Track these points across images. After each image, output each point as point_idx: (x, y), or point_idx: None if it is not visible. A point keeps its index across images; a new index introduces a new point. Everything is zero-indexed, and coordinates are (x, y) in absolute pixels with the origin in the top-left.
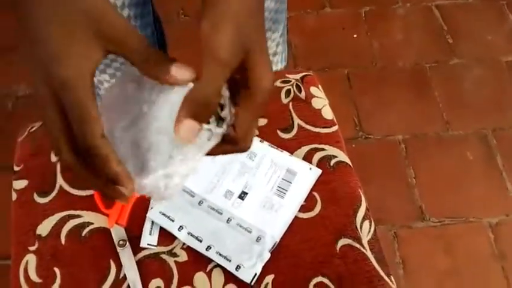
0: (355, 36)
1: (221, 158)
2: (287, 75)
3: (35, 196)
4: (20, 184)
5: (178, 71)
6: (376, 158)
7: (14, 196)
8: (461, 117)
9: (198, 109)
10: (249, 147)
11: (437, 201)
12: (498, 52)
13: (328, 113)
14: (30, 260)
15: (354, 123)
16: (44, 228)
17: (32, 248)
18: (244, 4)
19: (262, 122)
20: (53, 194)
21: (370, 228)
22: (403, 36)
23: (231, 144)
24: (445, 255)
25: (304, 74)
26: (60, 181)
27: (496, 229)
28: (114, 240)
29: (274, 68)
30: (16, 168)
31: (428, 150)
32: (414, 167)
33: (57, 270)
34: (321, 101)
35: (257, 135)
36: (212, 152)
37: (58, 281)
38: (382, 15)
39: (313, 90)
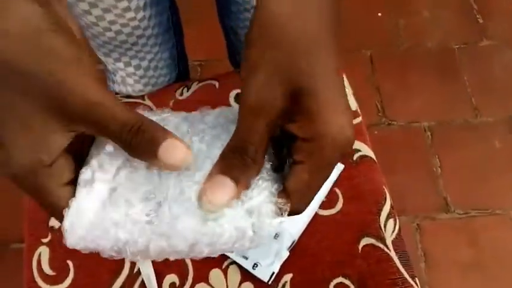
0: (379, 14)
1: None
2: None
3: None
4: None
5: (166, 154)
6: (400, 146)
7: None
8: (490, 103)
9: (233, 167)
10: (301, 212)
11: (462, 192)
12: None
13: (351, 104)
14: (43, 252)
15: (377, 108)
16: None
17: (45, 240)
18: (298, 26)
19: None
20: None
21: (394, 227)
22: (430, 15)
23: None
24: (469, 248)
25: None
26: None
27: None
28: None
29: None
30: None
31: (455, 138)
32: (439, 156)
33: (70, 263)
34: None
35: None
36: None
37: (71, 274)
38: None
39: None
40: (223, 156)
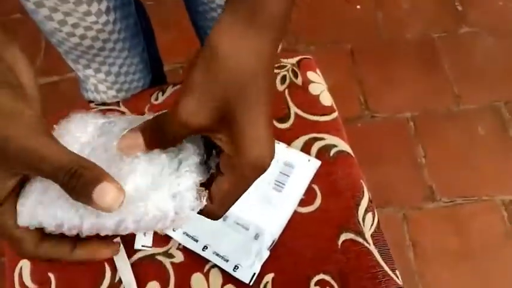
0: (358, 7)
1: None
2: (282, 60)
3: None
4: None
5: (99, 199)
6: (384, 138)
7: None
8: (472, 90)
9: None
10: (220, 217)
11: (448, 180)
12: (511, 19)
13: (326, 99)
14: (24, 265)
15: (359, 101)
16: None
17: None
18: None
19: None
20: None
21: (373, 220)
22: (409, 5)
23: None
24: (457, 236)
25: (300, 57)
26: None
27: (509, 207)
28: None
29: None
30: None
31: (438, 126)
32: (424, 146)
33: (51, 275)
34: (318, 86)
35: None
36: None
37: (53, 286)
38: None
39: (310, 75)
40: (144, 126)
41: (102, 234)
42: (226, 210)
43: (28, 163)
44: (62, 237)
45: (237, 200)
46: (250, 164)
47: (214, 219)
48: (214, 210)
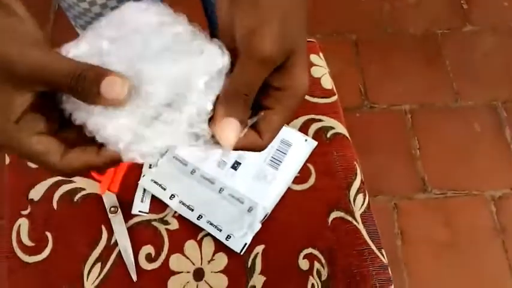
0: None
1: None
2: None
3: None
4: None
5: (106, 90)
6: (380, 128)
7: (7, 160)
8: (471, 88)
9: (237, 110)
10: (265, 148)
11: (440, 173)
12: None
13: (327, 83)
14: (23, 224)
15: (360, 91)
16: (36, 192)
17: (24, 212)
18: None
19: None
20: None
21: (364, 201)
22: (415, 0)
23: (248, 145)
24: (444, 227)
25: None
26: None
27: (498, 202)
28: (106, 207)
29: None
30: None
31: (435, 121)
32: (419, 138)
33: (49, 234)
34: (320, 69)
35: None
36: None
37: (50, 245)
38: None
39: (313, 58)
40: (228, 99)
41: None
42: (271, 141)
43: (38, 79)
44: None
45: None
46: (302, 92)
47: (259, 151)
48: (263, 145)
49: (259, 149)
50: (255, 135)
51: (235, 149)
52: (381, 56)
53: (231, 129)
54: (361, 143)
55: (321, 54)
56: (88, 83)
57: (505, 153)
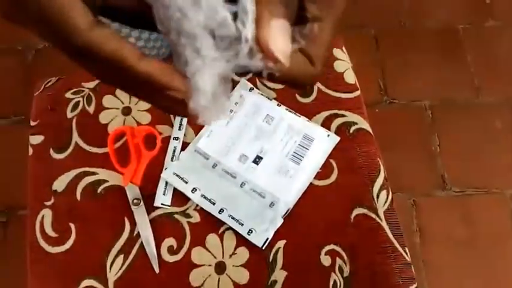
0: None
1: (237, 121)
2: None
3: (51, 152)
4: (36, 139)
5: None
6: (400, 124)
7: (31, 151)
8: (493, 84)
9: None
10: (322, 73)
11: (460, 171)
12: None
13: (350, 77)
14: (46, 214)
15: (379, 86)
16: (59, 183)
17: (48, 203)
18: None
19: (280, 85)
20: (69, 150)
21: (387, 198)
22: None
23: (301, 72)
24: (463, 225)
25: None
26: (75, 138)
27: None
28: (129, 199)
29: None
30: (32, 123)
31: (456, 117)
32: (439, 135)
33: (72, 225)
34: (343, 64)
35: (274, 99)
36: (280, 78)
37: (73, 236)
38: None
39: (336, 52)
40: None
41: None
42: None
43: None
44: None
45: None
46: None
47: (315, 78)
48: (316, 72)
49: (311, 79)
50: (304, 60)
51: (284, 78)
52: (400, 51)
53: (283, 35)
54: (380, 138)
55: (344, 49)
56: None
57: None
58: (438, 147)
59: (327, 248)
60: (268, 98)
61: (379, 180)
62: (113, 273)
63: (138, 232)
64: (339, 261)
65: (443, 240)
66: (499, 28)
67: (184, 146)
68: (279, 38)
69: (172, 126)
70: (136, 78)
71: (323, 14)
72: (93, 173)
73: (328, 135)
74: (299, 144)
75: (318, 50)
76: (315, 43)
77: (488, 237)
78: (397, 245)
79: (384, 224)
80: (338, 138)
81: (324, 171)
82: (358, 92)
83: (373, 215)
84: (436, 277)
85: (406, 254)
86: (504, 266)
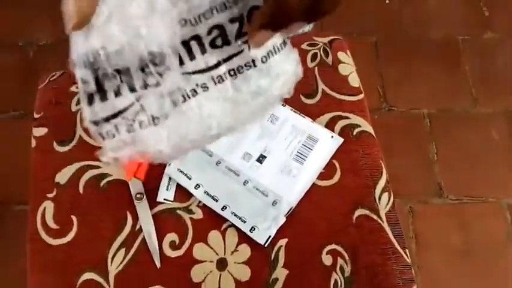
0: (387, 1)
1: None
2: (314, 38)
3: (55, 144)
4: (39, 131)
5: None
6: (398, 131)
7: (34, 143)
8: (490, 94)
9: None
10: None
11: (457, 179)
12: None
13: (354, 80)
14: (48, 206)
15: (378, 93)
16: (62, 176)
17: (50, 195)
18: None
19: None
20: (73, 143)
21: (389, 200)
22: (437, 5)
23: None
24: (459, 233)
25: (332, 38)
26: (79, 131)
27: None
28: (132, 193)
29: (301, 30)
30: (36, 116)
31: (453, 126)
32: (437, 143)
33: (74, 218)
34: (348, 67)
35: None
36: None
37: (75, 228)
38: None
39: (340, 55)
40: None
41: None
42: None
43: None
44: None
45: None
46: None
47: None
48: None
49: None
50: None
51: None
52: (400, 59)
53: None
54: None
55: (348, 52)
56: None
57: None
58: (435, 155)
59: (329, 247)
60: None
61: (381, 183)
62: (114, 267)
63: (140, 226)
64: (340, 261)
65: (438, 247)
66: (497, 40)
67: None
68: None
69: None
70: None
71: None
72: (97, 167)
73: (332, 137)
74: (303, 144)
75: None
76: None
77: (484, 246)
78: (398, 247)
79: (385, 225)
80: (342, 140)
81: (327, 172)
82: (361, 95)
83: (375, 217)
84: (431, 284)
85: (407, 255)
86: (499, 274)
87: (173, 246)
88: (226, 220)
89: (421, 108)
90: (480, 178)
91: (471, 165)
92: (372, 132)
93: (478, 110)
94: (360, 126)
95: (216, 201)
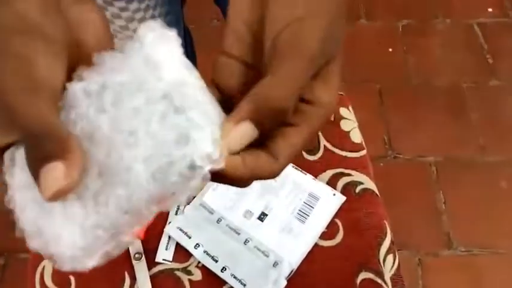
0: (390, 50)
1: None
2: None
3: None
4: None
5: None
6: (405, 180)
7: None
8: (498, 143)
9: (263, 116)
10: (279, 174)
11: (466, 230)
12: None
13: (356, 136)
14: (47, 266)
15: (384, 141)
16: None
17: None
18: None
19: None
20: None
21: (394, 263)
22: (441, 53)
23: (258, 168)
24: (470, 286)
25: None
26: None
27: None
28: (130, 253)
29: None
30: None
31: (461, 175)
32: (444, 192)
33: (72, 278)
34: (350, 123)
35: None
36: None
37: None
38: (421, 30)
39: (342, 111)
40: (257, 108)
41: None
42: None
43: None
44: None
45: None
46: (332, 109)
47: (272, 178)
48: (276, 170)
49: (271, 174)
50: (266, 157)
51: (240, 175)
52: (405, 107)
53: (243, 134)
54: (384, 194)
55: (350, 108)
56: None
57: None
58: (443, 205)
59: None
60: None
61: (386, 244)
62: None
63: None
64: None
65: None
66: (502, 88)
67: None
68: (239, 134)
69: None
70: None
71: (300, 124)
72: None
73: (334, 194)
74: (304, 202)
75: (285, 149)
76: (284, 144)
77: None
78: None
79: None
80: (344, 198)
81: (329, 231)
82: (364, 152)
83: (380, 281)
84: None
85: None
86: None
87: None
88: (225, 282)
89: (427, 156)
90: (490, 228)
91: (480, 215)
92: (375, 189)
93: (486, 158)
94: (362, 183)
95: (216, 261)
